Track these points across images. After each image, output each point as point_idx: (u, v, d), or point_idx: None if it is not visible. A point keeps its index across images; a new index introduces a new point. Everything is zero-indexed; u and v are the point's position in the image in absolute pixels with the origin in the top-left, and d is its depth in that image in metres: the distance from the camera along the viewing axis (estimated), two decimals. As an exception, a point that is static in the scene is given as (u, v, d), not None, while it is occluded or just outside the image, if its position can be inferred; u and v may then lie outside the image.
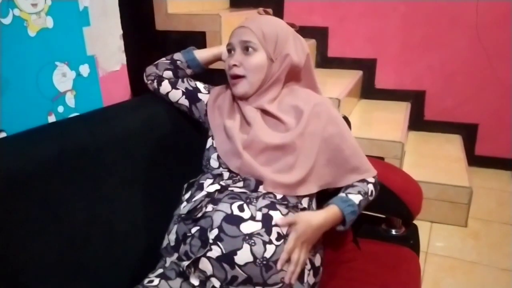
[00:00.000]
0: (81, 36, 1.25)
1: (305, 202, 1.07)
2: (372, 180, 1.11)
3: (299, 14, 2.87)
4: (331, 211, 1.01)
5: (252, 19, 1.11)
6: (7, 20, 1.03)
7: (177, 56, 1.25)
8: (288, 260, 0.94)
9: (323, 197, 1.14)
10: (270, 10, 1.19)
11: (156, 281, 0.94)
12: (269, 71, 1.09)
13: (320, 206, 1.15)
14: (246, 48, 1.08)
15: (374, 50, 2.84)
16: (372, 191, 1.10)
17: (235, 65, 1.09)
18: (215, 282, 0.92)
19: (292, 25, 1.17)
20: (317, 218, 0.99)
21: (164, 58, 1.26)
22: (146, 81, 1.27)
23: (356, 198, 1.05)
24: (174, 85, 1.24)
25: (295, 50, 1.12)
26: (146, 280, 0.96)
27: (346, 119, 1.27)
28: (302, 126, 1.07)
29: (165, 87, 1.24)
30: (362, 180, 1.10)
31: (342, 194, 1.06)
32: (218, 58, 1.27)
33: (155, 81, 1.25)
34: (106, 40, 1.35)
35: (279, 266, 0.92)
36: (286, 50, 1.09)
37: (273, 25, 1.10)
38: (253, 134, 1.07)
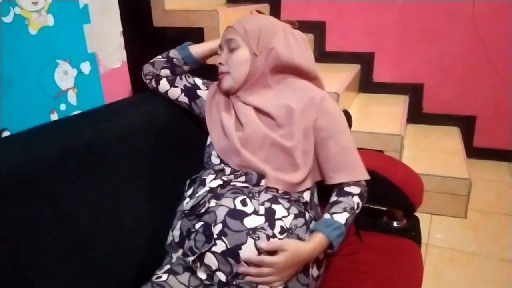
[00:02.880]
0: (81, 33, 1.25)
1: (306, 196, 1.07)
2: (357, 191, 1.06)
3: (297, 9, 2.87)
4: (317, 240, 0.96)
5: (241, 19, 1.13)
6: (8, 19, 1.03)
7: (173, 53, 1.24)
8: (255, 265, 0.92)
9: (325, 192, 1.15)
10: (263, 11, 1.21)
11: (165, 277, 0.95)
12: (253, 66, 1.10)
13: (322, 199, 1.16)
14: (230, 46, 1.11)
15: (372, 43, 2.84)
16: (358, 204, 1.05)
17: (220, 63, 1.13)
18: (221, 276, 0.93)
19: (290, 22, 1.17)
20: (304, 249, 0.94)
21: (160, 56, 1.25)
22: (144, 80, 1.27)
23: (342, 218, 1.00)
24: (172, 83, 1.24)
25: (285, 44, 1.10)
26: (154, 277, 0.96)
27: (347, 113, 1.27)
28: (296, 122, 1.06)
29: (164, 85, 1.24)
30: (346, 194, 1.05)
31: (327, 217, 1.01)
32: (215, 52, 1.25)
33: (153, 80, 1.25)
34: (106, 37, 1.35)
35: (242, 258, 0.91)
36: (271, 44, 1.09)
37: (257, 21, 1.11)
38: (249, 131, 1.07)
